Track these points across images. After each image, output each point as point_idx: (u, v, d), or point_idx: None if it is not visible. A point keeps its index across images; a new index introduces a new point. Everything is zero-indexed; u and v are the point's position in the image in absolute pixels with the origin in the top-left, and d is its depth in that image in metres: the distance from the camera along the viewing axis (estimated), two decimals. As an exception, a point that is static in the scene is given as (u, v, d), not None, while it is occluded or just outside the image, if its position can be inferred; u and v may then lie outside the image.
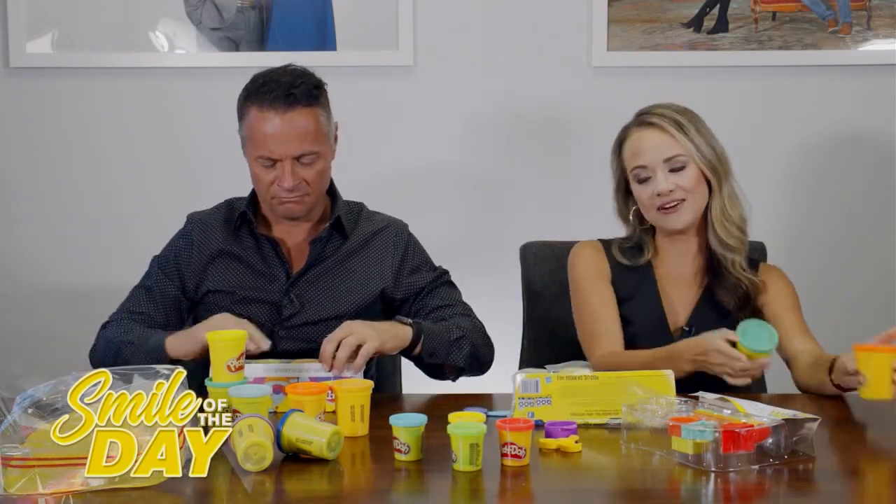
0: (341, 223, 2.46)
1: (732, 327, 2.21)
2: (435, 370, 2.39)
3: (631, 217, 2.48)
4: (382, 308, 2.50)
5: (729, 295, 2.41)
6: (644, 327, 2.42)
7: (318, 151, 2.35)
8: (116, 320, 2.42)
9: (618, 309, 2.43)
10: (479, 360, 2.41)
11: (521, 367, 2.68)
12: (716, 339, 2.17)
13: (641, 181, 2.39)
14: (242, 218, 2.46)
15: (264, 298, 2.42)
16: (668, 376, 2.06)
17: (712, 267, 2.44)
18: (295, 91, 2.31)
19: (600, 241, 2.51)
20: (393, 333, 2.26)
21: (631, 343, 2.40)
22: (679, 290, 2.46)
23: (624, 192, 2.47)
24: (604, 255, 2.48)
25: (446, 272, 2.54)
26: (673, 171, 2.36)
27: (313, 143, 2.34)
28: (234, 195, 2.54)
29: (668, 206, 2.36)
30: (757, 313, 2.40)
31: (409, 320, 2.32)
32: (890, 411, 2.02)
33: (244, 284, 2.43)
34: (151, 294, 2.44)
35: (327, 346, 2.17)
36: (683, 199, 2.36)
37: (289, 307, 2.41)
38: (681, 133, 2.37)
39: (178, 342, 2.24)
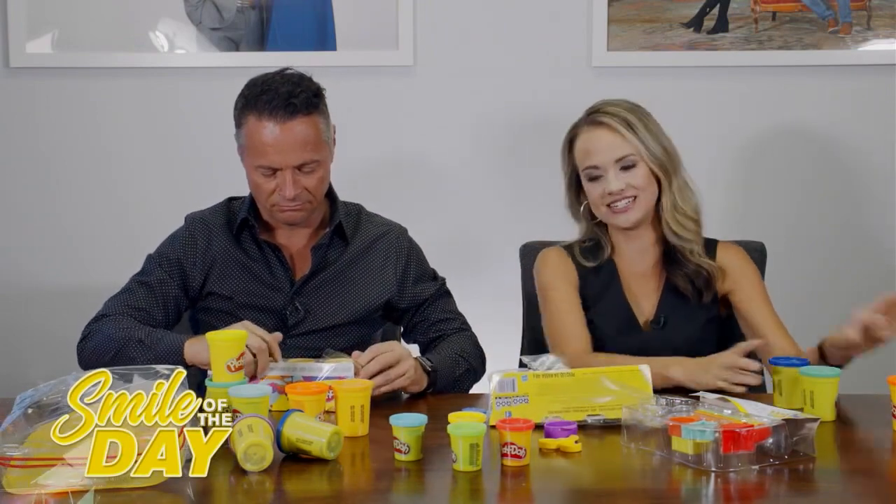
0: (342, 228, 2.46)
1: (698, 316, 2.39)
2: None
3: (582, 212, 2.51)
4: (384, 314, 2.51)
5: (690, 283, 2.44)
6: (614, 326, 2.44)
7: (318, 160, 2.34)
8: (113, 315, 2.38)
9: (583, 313, 2.44)
10: (477, 377, 2.44)
11: (520, 367, 2.68)
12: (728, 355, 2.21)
13: (593, 179, 2.42)
14: (244, 223, 2.45)
15: (268, 306, 2.42)
16: (643, 371, 2.06)
17: (670, 257, 2.46)
18: (295, 100, 2.30)
19: (562, 246, 2.54)
20: (418, 378, 2.26)
21: (602, 343, 2.42)
22: (641, 284, 2.48)
23: (575, 189, 2.50)
24: (570, 261, 2.50)
25: (444, 280, 2.56)
26: (624, 169, 2.39)
27: (314, 151, 2.33)
28: (233, 195, 2.54)
29: (618, 204, 2.39)
30: (723, 301, 2.46)
31: (430, 367, 2.30)
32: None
33: (248, 291, 2.43)
34: (152, 291, 2.42)
35: (368, 353, 2.19)
36: (635, 197, 2.40)
37: (293, 315, 2.42)
38: (630, 132, 2.40)
39: (200, 348, 2.19)
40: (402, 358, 2.20)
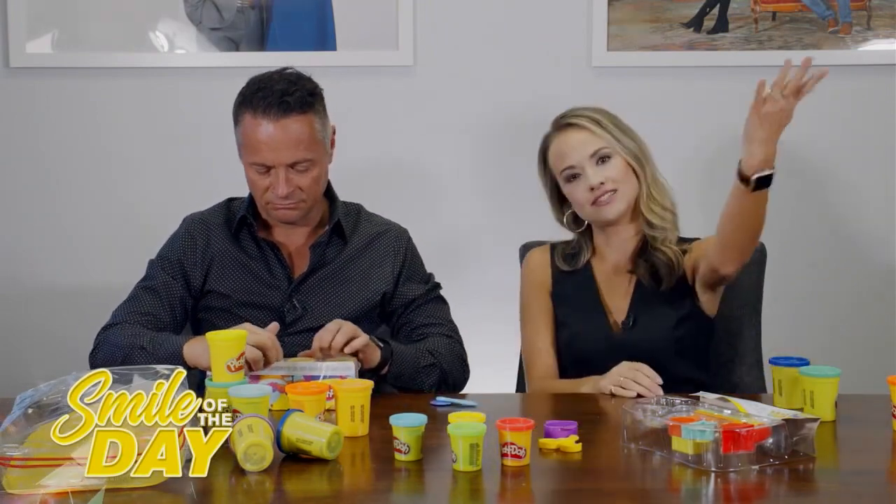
0: (341, 226, 2.46)
1: (670, 314, 2.39)
2: (403, 388, 2.40)
3: (565, 222, 2.53)
4: (381, 313, 2.50)
5: (650, 275, 2.44)
6: (586, 327, 2.46)
7: (311, 159, 2.35)
8: (121, 323, 2.38)
9: (552, 328, 2.50)
10: (448, 384, 2.41)
11: (520, 367, 2.69)
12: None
13: (571, 180, 2.44)
14: (243, 222, 2.46)
15: (266, 304, 2.42)
16: None
17: (642, 251, 2.47)
18: (289, 98, 2.31)
19: (551, 244, 2.57)
20: (373, 346, 2.28)
21: (575, 343, 2.45)
22: (616, 286, 2.49)
23: (558, 199, 2.53)
24: (548, 263, 2.54)
25: (437, 286, 2.55)
26: (600, 163, 2.42)
27: (307, 150, 2.34)
28: (233, 195, 2.54)
29: (601, 198, 2.41)
30: (686, 279, 2.44)
31: (381, 343, 2.31)
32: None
33: (247, 289, 2.43)
34: (157, 294, 2.43)
35: (324, 335, 2.20)
36: (615, 190, 2.41)
37: (291, 312, 2.42)
38: (599, 128, 2.44)
39: (199, 350, 2.18)
40: (358, 333, 2.23)
